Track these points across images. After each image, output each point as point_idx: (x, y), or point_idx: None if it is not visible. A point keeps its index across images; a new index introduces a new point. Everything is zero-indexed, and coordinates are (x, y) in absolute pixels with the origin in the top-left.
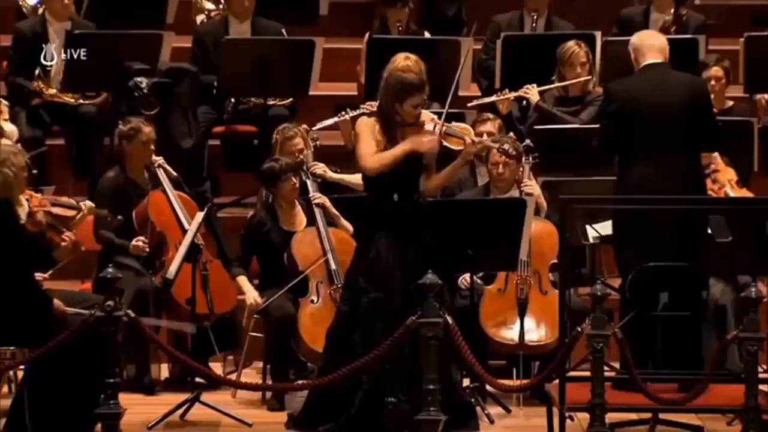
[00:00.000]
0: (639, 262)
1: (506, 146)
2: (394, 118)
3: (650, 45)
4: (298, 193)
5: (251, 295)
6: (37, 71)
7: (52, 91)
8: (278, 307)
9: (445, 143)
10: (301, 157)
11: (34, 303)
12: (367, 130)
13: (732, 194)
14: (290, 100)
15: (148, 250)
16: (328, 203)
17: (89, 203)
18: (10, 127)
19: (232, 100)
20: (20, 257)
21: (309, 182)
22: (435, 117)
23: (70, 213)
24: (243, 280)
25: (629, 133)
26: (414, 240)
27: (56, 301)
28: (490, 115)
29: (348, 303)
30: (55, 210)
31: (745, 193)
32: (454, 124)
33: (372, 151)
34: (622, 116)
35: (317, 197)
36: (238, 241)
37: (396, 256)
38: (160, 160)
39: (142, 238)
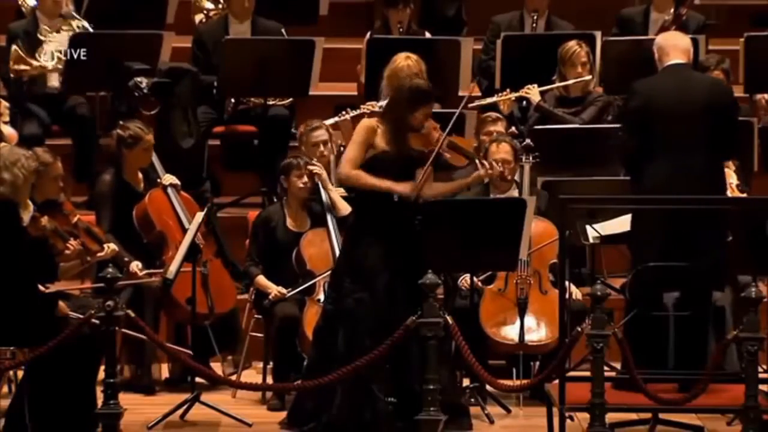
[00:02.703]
0: (650, 260)
1: (507, 175)
2: (405, 124)
3: (674, 45)
4: (305, 196)
5: (274, 288)
6: (13, 47)
7: (31, 65)
8: (283, 307)
9: (445, 156)
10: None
11: (34, 304)
12: (365, 134)
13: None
14: (290, 100)
15: (140, 275)
16: (324, 176)
17: (113, 246)
18: (9, 131)
19: (232, 100)
20: (21, 259)
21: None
22: (438, 126)
23: (95, 247)
24: (262, 280)
25: (649, 132)
26: (403, 241)
27: (61, 304)
28: (498, 115)
29: (333, 302)
30: (84, 238)
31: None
32: (456, 137)
33: (356, 159)
34: (643, 114)
35: (315, 166)
36: (238, 241)
37: (383, 257)
38: (173, 179)
39: (140, 264)
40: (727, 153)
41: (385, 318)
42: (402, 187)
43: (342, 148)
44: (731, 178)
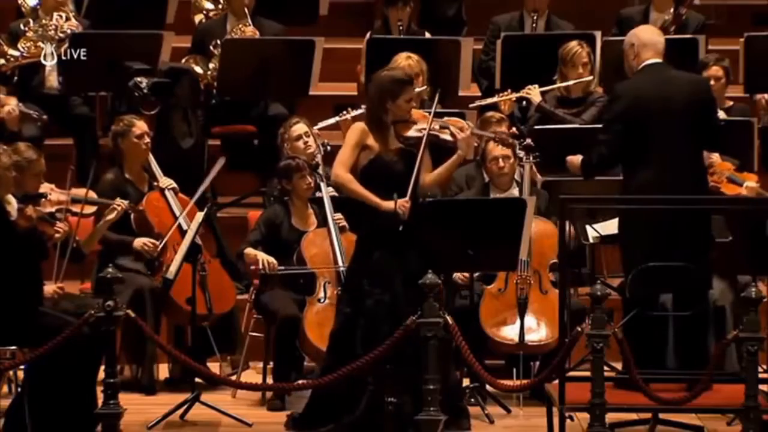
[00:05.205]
0: (643, 261)
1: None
2: (384, 119)
3: (653, 44)
4: (311, 194)
5: (264, 258)
6: None
7: (16, 53)
8: (283, 307)
9: (441, 137)
10: (316, 160)
11: (25, 300)
12: (357, 136)
13: (737, 180)
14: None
15: (154, 252)
16: (346, 227)
17: (122, 202)
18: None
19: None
20: (12, 254)
21: (323, 185)
22: (427, 114)
23: (90, 209)
24: (250, 251)
25: (635, 134)
26: (413, 240)
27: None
28: (501, 115)
29: (350, 304)
30: (75, 207)
31: (750, 177)
32: (446, 118)
33: (348, 162)
34: (629, 117)
35: (339, 219)
36: (238, 241)
37: (397, 257)
38: (170, 182)
39: (146, 239)
40: (710, 146)
41: (403, 319)
42: (387, 205)
43: (329, 148)
44: (726, 165)
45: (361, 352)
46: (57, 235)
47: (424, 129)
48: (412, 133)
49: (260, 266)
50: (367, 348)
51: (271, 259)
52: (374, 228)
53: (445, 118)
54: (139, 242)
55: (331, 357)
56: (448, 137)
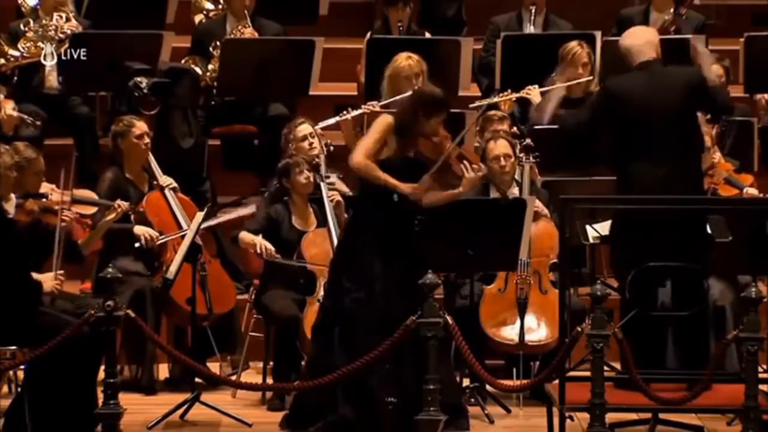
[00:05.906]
0: (636, 261)
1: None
2: (414, 130)
3: (647, 42)
4: (310, 192)
5: (261, 242)
6: None
7: (16, 53)
8: (284, 307)
9: (453, 167)
10: (317, 160)
11: (25, 300)
12: (382, 129)
13: (735, 182)
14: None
15: (153, 243)
16: (341, 201)
17: (122, 204)
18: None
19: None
20: (12, 254)
21: (323, 185)
22: (450, 137)
23: (90, 210)
24: (246, 236)
25: (627, 133)
26: (400, 240)
27: (44, 283)
28: (503, 113)
29: (330, 299)
30: (75, 208)
31: (746, 179)
32: (465, 150)
33: (371, 151)
34: (618, 114)
35: (333, 194)
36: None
37: (381, 256)
38: (171, 181)
39: (148, 228)
40: (719, 112)
41: (383, 317)
42: (405, 187)
43: (332, 148)
44: (726, 166)
45: (337, 347)
46: (63, 224)
47: (431, 189)
48: (431, 153)
49: (257, 250)
50: (343, 344)
51: (268, 245)
52: (359, 225)
53: (464, 150)
54: (140, 229)
55: (312, 352)
56: (457, 171)
